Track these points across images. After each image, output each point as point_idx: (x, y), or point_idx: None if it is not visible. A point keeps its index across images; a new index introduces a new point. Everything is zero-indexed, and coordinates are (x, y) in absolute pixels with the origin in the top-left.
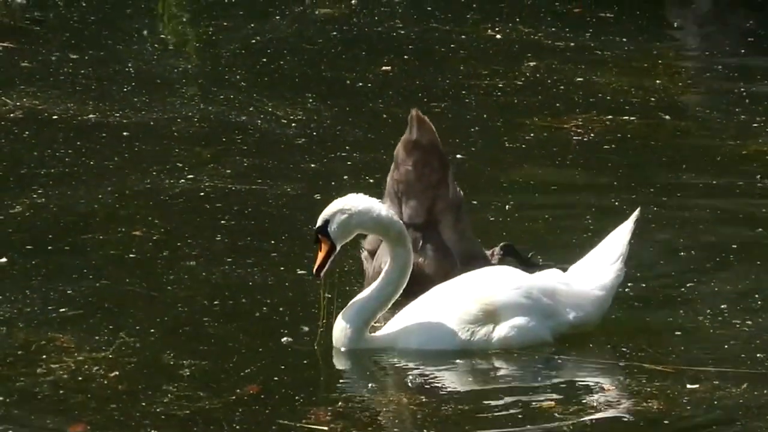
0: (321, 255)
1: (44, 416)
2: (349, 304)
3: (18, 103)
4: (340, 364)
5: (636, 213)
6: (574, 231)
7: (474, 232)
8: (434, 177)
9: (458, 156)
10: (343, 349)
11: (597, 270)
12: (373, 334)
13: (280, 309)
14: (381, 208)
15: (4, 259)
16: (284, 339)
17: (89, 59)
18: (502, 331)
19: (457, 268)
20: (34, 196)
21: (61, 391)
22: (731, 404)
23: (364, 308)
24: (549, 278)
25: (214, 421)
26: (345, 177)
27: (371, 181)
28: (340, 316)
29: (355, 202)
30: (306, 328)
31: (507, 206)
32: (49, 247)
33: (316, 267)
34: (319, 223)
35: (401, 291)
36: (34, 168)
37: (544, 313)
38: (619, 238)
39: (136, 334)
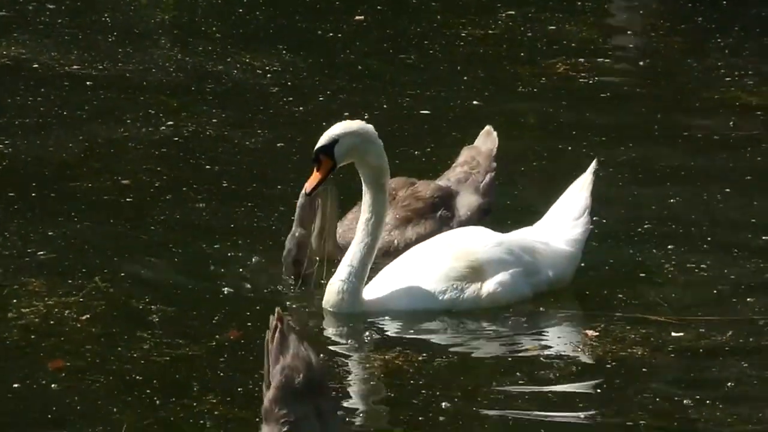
0: (320, 174)
1: (17, 359)
2: (339, 267)
3: (4, 52)
4: (317, 309)
5: (593, 164)
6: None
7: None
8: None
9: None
10: (334, 311)
11: (564, 226)
12: (366, 298)
13: (252, 255)
14: (383, 150)
15: None
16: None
17: (66, 9)
18: (489, 287)
19: None
20: (14, 142)
21: (32, 336)
22: (715, 351)
23: (355, 270)
24: (526, 236)
25: (196, 367)
26: (323, 124)
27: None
28: (333, 283)
29: (367, 128)
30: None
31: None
32: (33, 194)
33: (312, 186)
34: (323, 141)
35: (380, 240)
36: (15, 116)
37: (526, 270)
38: (581, 192)
39: (108, 279)
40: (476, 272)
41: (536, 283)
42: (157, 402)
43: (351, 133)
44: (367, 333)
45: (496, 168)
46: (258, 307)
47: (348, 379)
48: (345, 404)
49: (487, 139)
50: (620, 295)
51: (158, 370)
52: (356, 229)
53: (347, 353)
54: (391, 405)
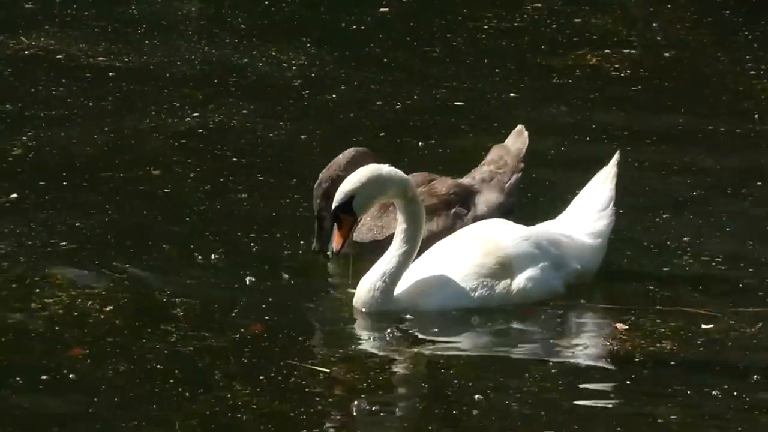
0: (343, 232)
1: (40, 350)
2: (373, 267)
3: (33, 43)
4: (348, 306)
5: (616, 156)
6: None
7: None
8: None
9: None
10: (364, 310)
11: (589, 218)
12: (396, 297)
13: (283, 243)
14: (396, 172)
15: (14, 195)
16: (248, 279)
17: (93, 1)
18: (519, 283)
19: None
20: (39, 134)
21: (56, 327)
22: (745, 344)
23: (390, 270)
24: (551, 228)
25: (221, 357)
26: (351, 115)
27: (367, 123)
28: (366, 282)
29: (379, 172)
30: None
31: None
32: (64, 183)
33: (339, 246)
34: (340, 199)
35: (418, 247)
36: (42, 107)
37: (554, 264)
38: (604, 183)
39: (132, 270)
40: (505, 268)
41: (565, 276)
42: (187, 395)
43: (365, 184)
44: (397, 329)
45: (524, 168)
46: (288, 302)
47: (380, 374)
48: (379, 398)
49: (518, 139)
50: (650, 287)
51: (181, 359)
52: (394, 237)
53: (377, 350)
54: (425, 399)
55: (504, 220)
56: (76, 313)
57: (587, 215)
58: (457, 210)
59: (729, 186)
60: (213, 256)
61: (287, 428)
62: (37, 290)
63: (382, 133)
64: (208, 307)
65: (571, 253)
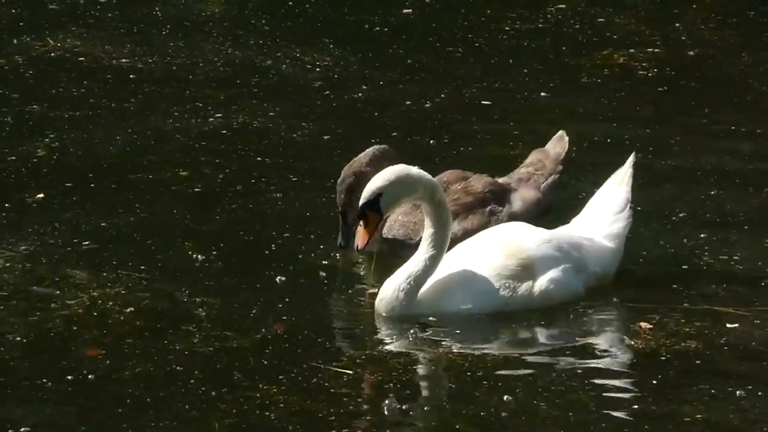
0: (369, 230)
1: (59, 350)
2: (398, 271)
3: (58, 45)
4: (370, 308)
5: (632, 157)
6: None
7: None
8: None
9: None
10: (385, 314)
11: (605, 220)
12: (419, 300)
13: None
14: (425, 174)
15: (41, 195)
16: (278, 279)
17: (117, 2)
18: (541, 285)
19: None
20: (60, 136)
21: (74, 327)
22: None
23: (416, 274)
24: (571, 231)
25: (240, 358)
26: (368, 115)
27: (391, 123)
28: (390, 284)
29: (407, 172)
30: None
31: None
32: (91, 185)
33: (364, 243)
34: (367, 196)
35: (445, 251)
36: (67, 108)
37: (575, 266)
38: (620, 186)
39: (156, 270)
40: (527, 270)
41: (586, 279)
42: (213, 394)
43: (394, 182)
44: (420, 331)
45: (562, 171)
46: (309, 302)
47: (407, 376)
48: (408, 399)
49: (558, 144)
50: (674, 286)
51: (200, 360)
52: (422, 240)
53: (403, 351)
54: (453, 399)
55: (525, 224)
56: (95, 314)
57: (604, 218)
58: (492, 208)
59: (751, 186)
60: (235, 257)
61: (319, 427)
62: (58, 292)
63: (407, 133)
64: (230, 307)
65: (592, 257)
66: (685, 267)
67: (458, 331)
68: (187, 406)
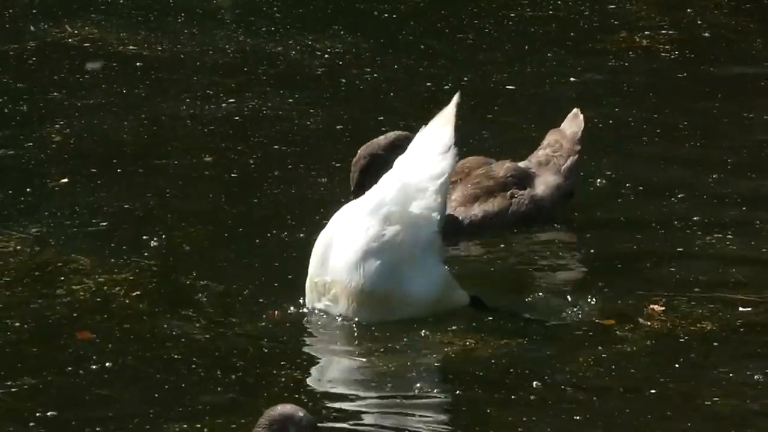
0: None
1: (60, 336)
2: None
3: (75, 32)
4: None
5: (456, 97)
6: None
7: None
8: None
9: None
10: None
11: (430, 161)
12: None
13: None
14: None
15: (65, 180)
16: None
17: None
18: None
19: None
20: (72, 122)
21: (75, 314)
22: None
23: None
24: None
25: (237, 345)
26: (391, 94)
27: (410, 109)
28: None
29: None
30: None
31: None
32: (118, 170)
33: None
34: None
35: None
36: (80, 96)
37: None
38: (445, 126)
39: (163, 256)
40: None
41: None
42: (227, 380)
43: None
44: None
45: (580, 151)
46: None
47: (431, 363)
48: (436, 385)
49: (573, 123)
50: (672, 270)
51: (198, 348)
52: None
53: (421, 339)
54: (481, 386)
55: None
56: (99, 299)
57: (428, 159)
58: (513, 191)
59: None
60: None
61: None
62: (62, 277)
63: (426, 119)
64: (235, 292)
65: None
66: (680, 249)
67: (475, 321)
68: (172, 388)
